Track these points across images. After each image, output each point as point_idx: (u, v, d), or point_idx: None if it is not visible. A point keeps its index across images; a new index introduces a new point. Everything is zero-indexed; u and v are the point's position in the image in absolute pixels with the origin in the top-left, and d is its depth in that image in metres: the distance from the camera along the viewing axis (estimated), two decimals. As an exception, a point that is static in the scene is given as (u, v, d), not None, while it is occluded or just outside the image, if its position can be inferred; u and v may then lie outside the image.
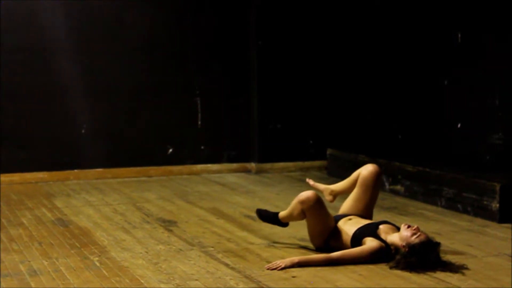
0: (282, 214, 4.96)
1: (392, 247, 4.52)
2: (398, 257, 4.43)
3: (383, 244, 4.55)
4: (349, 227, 4.74)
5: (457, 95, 6.80)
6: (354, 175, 5.05)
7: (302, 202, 4.71)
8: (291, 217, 4.89)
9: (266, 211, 5.09)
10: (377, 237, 4.60)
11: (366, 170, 4.97)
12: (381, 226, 4.67)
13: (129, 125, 7.85)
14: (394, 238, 4.54)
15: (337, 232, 4.77)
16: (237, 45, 8.13)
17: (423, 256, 4.38)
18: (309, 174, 8.00)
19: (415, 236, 4.42)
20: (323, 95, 8.24)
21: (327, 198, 5.19)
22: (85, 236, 5.31)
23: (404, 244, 4.44)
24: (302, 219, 4.80)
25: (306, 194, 4.72)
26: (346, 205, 5.00)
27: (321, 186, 5.29)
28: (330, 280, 4.25)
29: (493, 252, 4.87)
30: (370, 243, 4.56)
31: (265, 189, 7.21)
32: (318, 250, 4.85)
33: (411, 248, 4.40)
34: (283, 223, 5.01)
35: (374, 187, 4.97)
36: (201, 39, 8.01)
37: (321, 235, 4.80)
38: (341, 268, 4.46)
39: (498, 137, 6.33)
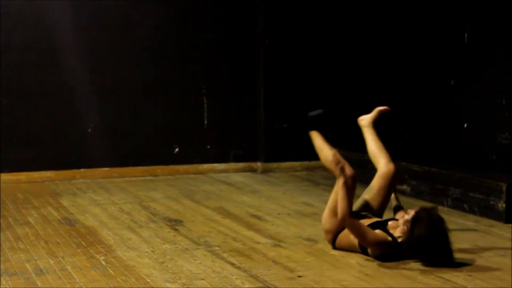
0: (316, 138, 5.28)
1: (399, 239, 4.52)
2: (408, 234, 4.44)
3: (390, 238, 4.55)
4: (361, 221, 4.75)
5: (464, 94, 6.78)
6: (376, 158, 5.09)
7: (342, 164, 4.73)
8: (319, 150, 5.20)
9: (317, 119, 5.39)
10: (387, 232, 4.60)
11: (383, 169, 4.97)
12: (390, 223, 4.70)
13: (136, 124, 7.84)
14: (399, 229, 4.57)
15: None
16: (244, 44, 8.13)
17: (428, 223, 4.37)
18: (315, 173, 8.00)
19: (412, 213, 4.49)
20: (329, 94, 8.23)
21: (360, 117, 5.54)
22: (91, 235, 5.32)
23: (405, 227, 4.47)
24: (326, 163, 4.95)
25: (351, 169, 4.76)
26: (360, 202, 4.98)
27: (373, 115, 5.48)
28: (336, 280, 4.25)
29: (500, 252, 4.85)
30: (378, 232, 4.57)
31: (271, 189, 7.21)
32: (325, 246, 4.86)
33: (412, 220, 4.42)
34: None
35: (388, 187, 4.97)
36: (208, 39, 8.01)
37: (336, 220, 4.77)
38: (347, 268, 4.46)
39: (505, 137, 6.30)
